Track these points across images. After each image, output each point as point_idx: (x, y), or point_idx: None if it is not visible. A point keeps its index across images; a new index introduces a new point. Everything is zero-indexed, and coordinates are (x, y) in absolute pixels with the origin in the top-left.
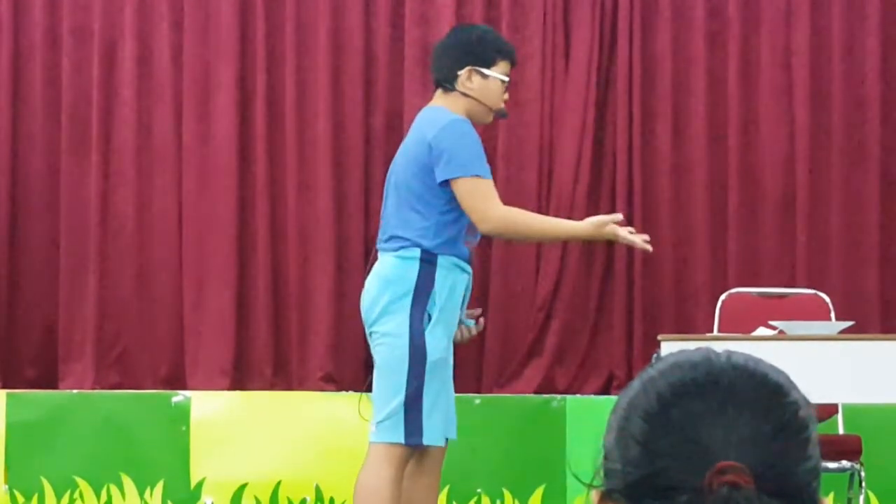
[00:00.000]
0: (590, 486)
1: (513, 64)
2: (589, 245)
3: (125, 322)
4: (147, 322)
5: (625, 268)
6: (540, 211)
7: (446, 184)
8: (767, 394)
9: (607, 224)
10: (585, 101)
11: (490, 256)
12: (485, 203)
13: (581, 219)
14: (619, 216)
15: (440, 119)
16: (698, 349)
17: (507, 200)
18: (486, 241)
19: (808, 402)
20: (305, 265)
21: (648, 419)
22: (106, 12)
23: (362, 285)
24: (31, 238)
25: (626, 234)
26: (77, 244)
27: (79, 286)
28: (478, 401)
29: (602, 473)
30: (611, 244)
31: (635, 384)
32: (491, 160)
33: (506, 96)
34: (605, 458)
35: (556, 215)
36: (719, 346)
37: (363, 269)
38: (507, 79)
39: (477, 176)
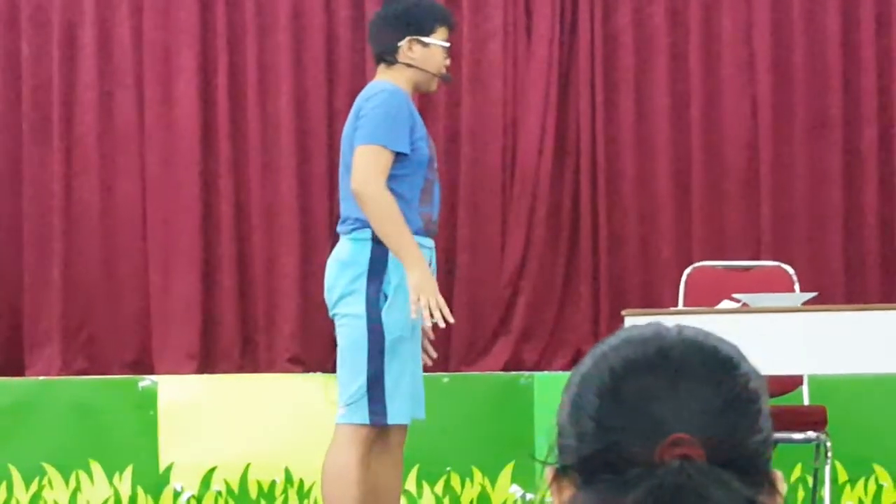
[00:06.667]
0: (544, 464)
1: (450, 28)
2: (554, 220)
3: (91, 308)
4: (113, 307)
5: (590, 243)
6: (504, 188)
7: None
8: (718, 366)
9: (432, 298)
10: (548, 78)
11: (456, 234)
12: (369, 170)
13: (544, 195)
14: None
15: (369, 92)
16: (649, 324)
17: (471, 177)
18: (452, 218)
19: (759, 374)
20: (270, 247)
21: (601, 394)
22: None
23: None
24: None
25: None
26: (41, 230)
27: (43, 272)
28: (446, 379)
29: (556, 450)
30: (576, 221)
31: (587, 360)
32: (455, 138)
33: (447, 61)
34: (559, 434)
35: (521, 191)
36: (684, 320)
37: (328, 251)
38: (447, 44)
39: (380, 145)
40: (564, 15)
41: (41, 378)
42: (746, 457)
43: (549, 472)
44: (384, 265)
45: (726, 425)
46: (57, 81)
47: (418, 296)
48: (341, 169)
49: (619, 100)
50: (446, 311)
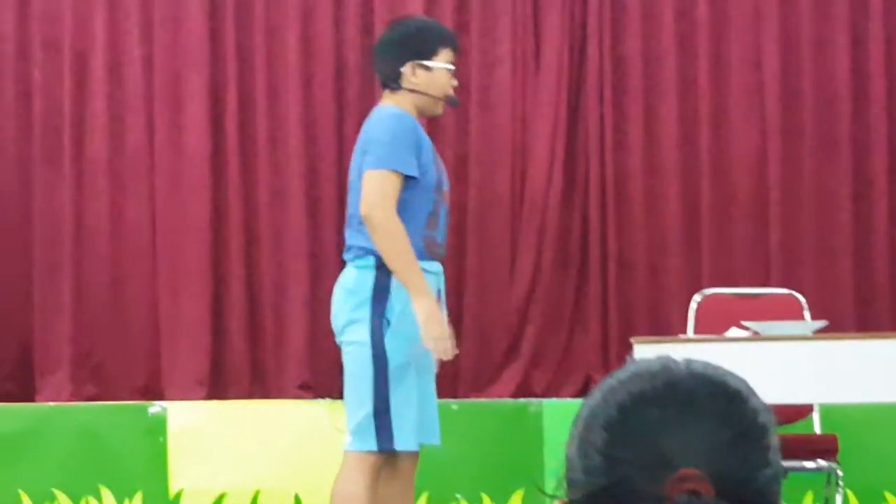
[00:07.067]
0: (552, 497)
1: (455, 49)
2: (563, 246)
3: (101, 334)
4: (122, 333)
5: (599, 270)
6: (513, 213)
7: None
8: (726, 401)
9: (438, 331)
10: (557, 104)
11: (464, 260)
12: (378, 195)
13: (553, 221)
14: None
15: (375, 116)
16: (658, 357)
17: (480, 203)
18: (461, 244)
19: (768, 409)
20: (279, 272)
21: (609, 428)
22: (76, 24)
23: None
24: (4, 250)
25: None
26: (51, 256)
27: (54, 298)
28: (455, 406)
29: (565, 484)
30: (585, 247)
31: (596, 394)
32: (463, 163)
33: (454, 82)
34: (568, 468)
35: (530, 216)
36: (693, 348)
37: (337, 276)
38: (452, 66)
39: (391, 170)
40: (573, 40)
41: (51, 404)
42: (755, 492)
43: None
44: (387, 292)
45: (735, 460)
46: (68, 107)
47: (427, 329)
48: (349, 195)
49: (628, 125)
50: (451, 343)
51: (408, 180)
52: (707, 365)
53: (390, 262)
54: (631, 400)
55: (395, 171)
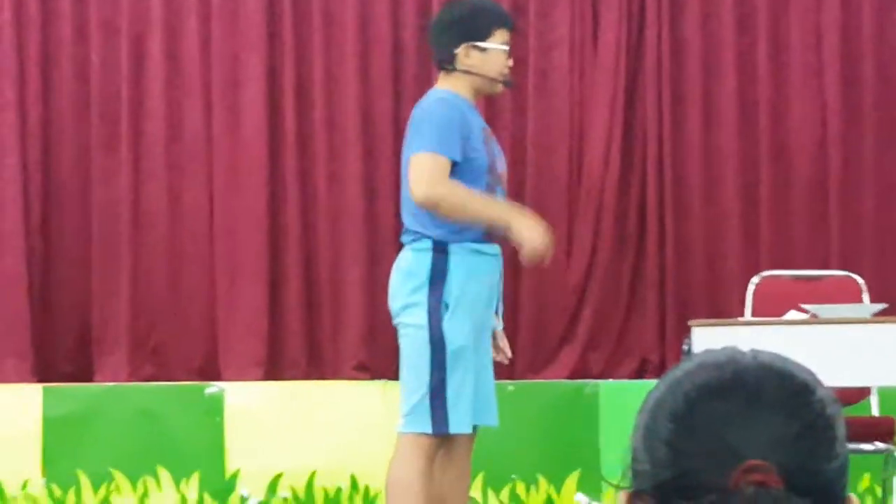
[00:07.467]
0: (617, 488)
1: (510, 29)
2: (621, 229)
3: (158, 315)
4: (180, 314)
5: (657, 251)
6: (570, 196)
7: None
8: (793, 393)
9: (535, 235)
10: (615, 87)
11: None
12: (425, 175)
13: (610, 203)
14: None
15: (424, 101)
16: (724, 348)
17: (537, 185)
18: None
19: (835, 400)
20: (337, 255)
21: (675, 420)
22: (134, 6)
23: None
24: (63, 234)
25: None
26: (109, 238)
27: (112, 280)
28: (511, 387)
29: (630, 474)
30: (642, 229)
31: (661, 385)
32: (520, 145)
33: (510, 62)
34: (633, 458)
35: (587, 199)
36: (751, 331)
37: (394, 258)
38: (506, 47)
39: (434, 152)
40: (631, 23)
41: (109, 384)
42: (822, 484)
43: (623, 497)
44: (444, 275)
45: (802, 452)
46: (125, 90)
47: (532, 248)
48: (402, 180)
49: (686, 108)
50: (548, 250)
51: (455, 165)
52: (774, 356)
53: (471, 221)
54: (697, 391)
55: (440, 154)
